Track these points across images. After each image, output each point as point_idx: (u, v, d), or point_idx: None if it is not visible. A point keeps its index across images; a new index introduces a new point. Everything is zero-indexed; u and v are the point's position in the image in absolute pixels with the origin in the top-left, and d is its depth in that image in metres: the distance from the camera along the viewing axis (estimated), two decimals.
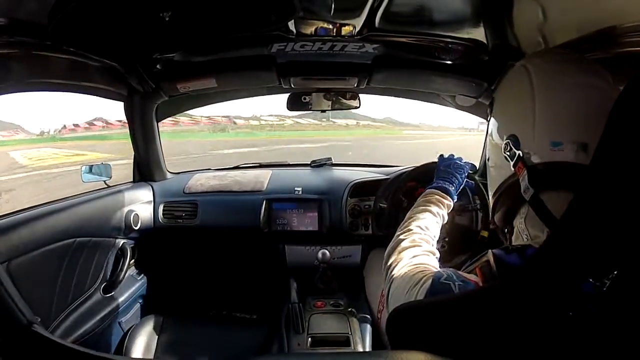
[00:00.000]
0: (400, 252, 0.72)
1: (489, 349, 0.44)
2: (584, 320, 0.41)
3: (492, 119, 0.66)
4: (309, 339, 1.49)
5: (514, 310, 0.44)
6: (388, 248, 0.76)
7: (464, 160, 1.06)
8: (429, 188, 0.96)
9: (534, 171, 0.53)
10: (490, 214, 0.67)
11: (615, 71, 0.61)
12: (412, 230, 0.78)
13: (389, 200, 1.42)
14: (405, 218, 0.84)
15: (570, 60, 0.59)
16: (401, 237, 0.76)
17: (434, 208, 0.86)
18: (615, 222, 0.41)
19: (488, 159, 0.67)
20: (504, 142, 0.57)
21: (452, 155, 1.09)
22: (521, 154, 0.54)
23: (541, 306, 0.43)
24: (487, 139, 0.68)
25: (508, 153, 0.56)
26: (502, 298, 0.46)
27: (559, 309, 0.42)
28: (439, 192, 0.92)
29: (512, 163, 0.55)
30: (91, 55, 1.16)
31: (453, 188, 0.95)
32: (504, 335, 0.43)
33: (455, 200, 0.93)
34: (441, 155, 1.10)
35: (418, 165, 1.47)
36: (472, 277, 0.54)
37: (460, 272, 0.57)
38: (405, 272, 0.65)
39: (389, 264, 0.71)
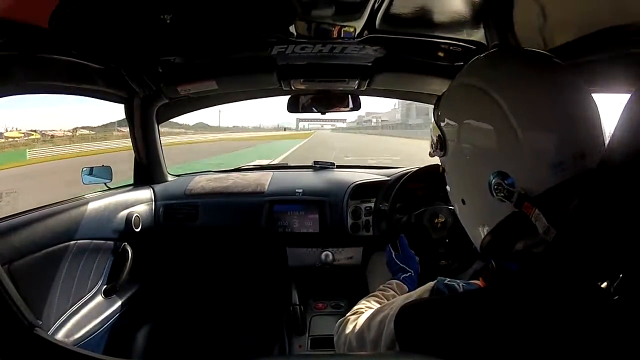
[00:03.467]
0: (357, 319, 0.71)
1: (491, 345, 0.44)
2: (584, 321, 0.42)
3: (456, 154, 0.56)
4: (310, 340, 1.49)
5: (512, 309, 0.45)
6: (340, 327, 0.76)
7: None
8: None
9: (545, 204, 0.46)
10: (479, 250, 0.57)
11: (616, 71, 0.61)
12: (358, 309, 0.80)
13: (390, 202, 1.42)
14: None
15: (529, 63, 0.52)
16: (351, 315, 0.77)
17: (378, 292, 0.92)
18: (619, 228, 0.41)
19: (463, 201, 0.57)
20: (494, 182, 0.48)
21: (389, 250, 1.14)
22: (522, 191, 0.47)
23: (539, 306, 0.44)
24: (451, 176, 0.59)
25: (502, 194, 0.48)
26: (501, 297, 0.47)
27: (557, 309, 0.43)
28: (389, 282, 0.99)
29: (513, 204, 0.47)
30: (92, 58, 1.16)
31: (401, 276, 1.01)
32: (506, 333, 0.44)
33: (404, 281, 0.99)
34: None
35: (420, 166, 1.48)
36: (475, 281, 0.55)
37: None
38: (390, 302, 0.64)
39: (349, 328, 0.70)
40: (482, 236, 0.54)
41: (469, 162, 0.53)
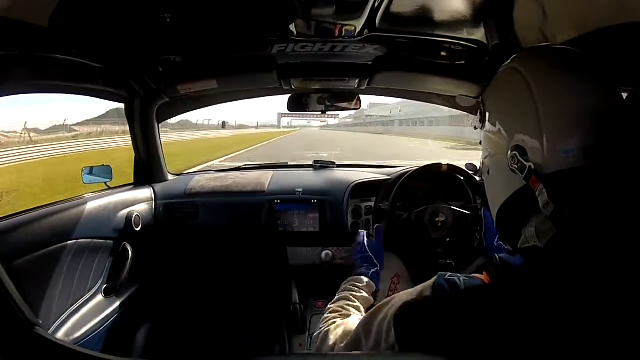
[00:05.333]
0: (340, 327, 0.71)
1: (492, 343, 0.44)
2: (581, 318, 0.42)
3: (489, 127, 0.61)
4: (310, 339, 1.49)
5: (514, 306, 0.45)
6: (319, 341, 0.73)
7: (363, 237, 1.09)
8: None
9: (550, 183, 0.49)
10: (495, 223, 0.64)
11: (616, 70, 0.61)
12: (334, 316, 0.79)
13: (390, 201, 1.42)
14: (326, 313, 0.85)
15: (566, 59, 0.56)
16: (328, 326, 0.75)
17: (347, 293, 0.89)
18: (620, 225, 0.41)
19: (488, 171, 0.63)
20: (510, 155, 0.53)
21: (360, 239, 1.10)
22: (532, 166, 0.51)
23: (542, 302, 0.44)
24: (484, 147, 0.64)
25: (516, 166, 0.52)
26: (505, 295, 0.47)
27: (561, 308, 0.43)
28: (353, 278, 0.97)
29: (523, 176, 0.52)
30: (92, 57, 1.16)
31: (364, 270, 0.99)
32: (507, 330, 0.44)
33: (372, 278, 0.96)
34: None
35: (420, 165, 1.48)
36: (478, 275, 0.55)
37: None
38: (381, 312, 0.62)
39: (332, 342, 0.69)
40: (498, 207, 0.60)
41: (497, 137, 0.58)
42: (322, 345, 0.71)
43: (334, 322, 0.75)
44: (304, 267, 1.66)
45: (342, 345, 0.65)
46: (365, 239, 1.07)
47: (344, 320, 0.74)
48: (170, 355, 1.67)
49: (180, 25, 1.03)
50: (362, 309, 0.84)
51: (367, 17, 1.01)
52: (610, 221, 0.44)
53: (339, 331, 0.69)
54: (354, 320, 0.69)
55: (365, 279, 0.94)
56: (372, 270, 0.98)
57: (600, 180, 0.47)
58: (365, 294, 0.89)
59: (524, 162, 0.51)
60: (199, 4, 0.95)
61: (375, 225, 1.13)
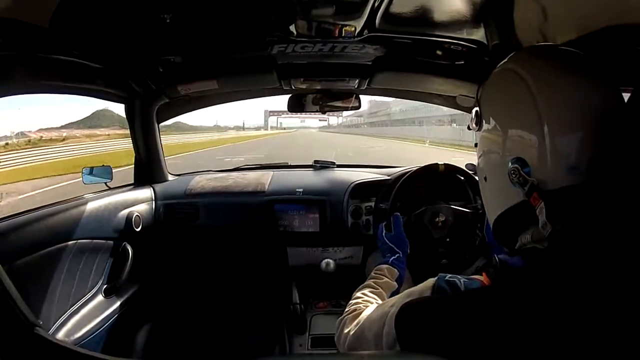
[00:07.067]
0: (357, 317, 0.71)
1: (495, 346, 0.44)
2: (586, 318, 0.42)
3: (486, 129, 0.59)
4: (310, 339, 1.49)
5: (514, 308, 0.45)
6: (340, 326, 0.74)
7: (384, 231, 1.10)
8: None
9: (550, 202, 0.47)
10: (492, 231, 0.62)
11: (616, 71, 0.61)
12: (356, 303, 0.79)
13: (390, 201, 1.42)
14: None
15: (567, 60, 0.54)
16: (348, 314, 0.75)
17: (370, 281, 0.91)
18: (620, 230, 0.41)
19: (485, 178, 0.60)
20: (511, 167, 0.50)
21: (381, 228, 1.11)
22: (535, 182, 0.48)
23: (543, 304, 0.44)
24: (482, 153, 0.61)
25: (517, 180, 0.50)
26: (506, 296, 0.47)
27: (560, 306, 0.43)
28: (377, 267, 0.98)
29: (525, 191, 0.49)
30: (93, 58, 1.16)
31: (386, 259, 1.00)
32: (508, 332, 0.44)
33: (393, 265, 0.97)
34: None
35: (420, 166, 1.48)
36: (477, 277, 0.55)
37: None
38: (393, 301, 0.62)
39: (348, 330, 0.69)
40: (495, 216, 0.58)
41: (494, 143, 0.56)
42: (340, 330, 0.73)
43: (354, 311, 0.75)
44: (304, 267, 1.66)
45: (353, 334, 0.67)
46: (383, 230, 1.10)
47: (363, 309, 0.74)
48: (171, 356, 1.67)
49: (180, 25, 1.03)
50: (384, 294, 0.86)
51: (367, 18, 1.01)
52: (602, 236, 0.44)
53: (356, 320, 0.70)
54: (369, 311, 0.69)
55: (385, 266, 0.96)
56: (393, 258, 1.00)
57: (599, 198, 0.46)
58: (387, 279, 0.92)
59: (526, 177, 0.49)
60: (199, 4, 0.95)
61: (393, 214, 1.13)
